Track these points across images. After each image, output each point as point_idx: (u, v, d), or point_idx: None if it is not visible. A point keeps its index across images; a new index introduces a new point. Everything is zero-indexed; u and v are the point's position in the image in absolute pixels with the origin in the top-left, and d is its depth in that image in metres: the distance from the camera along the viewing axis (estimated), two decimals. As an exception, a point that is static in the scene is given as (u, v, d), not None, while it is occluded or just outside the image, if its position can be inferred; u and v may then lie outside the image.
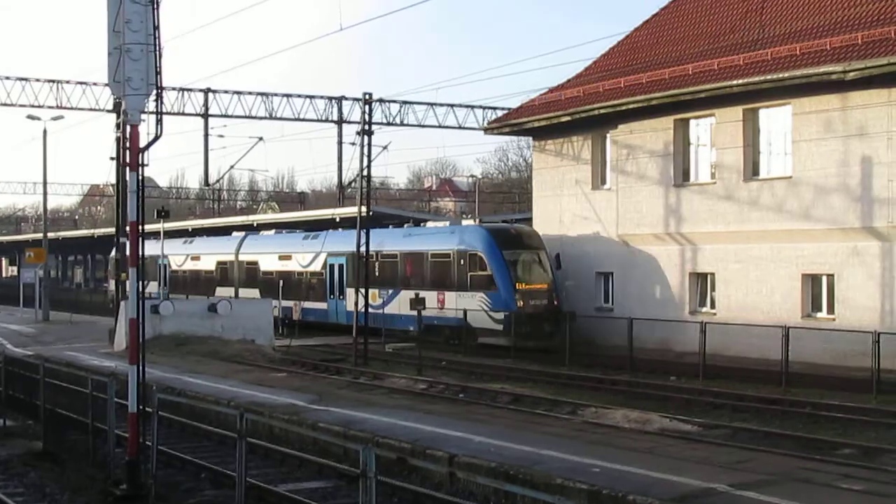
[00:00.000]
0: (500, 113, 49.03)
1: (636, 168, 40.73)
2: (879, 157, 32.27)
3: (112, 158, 42.27)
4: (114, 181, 46.62)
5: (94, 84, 45.64)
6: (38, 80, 46.77)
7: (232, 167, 61.87)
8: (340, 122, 49.78)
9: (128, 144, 16.81)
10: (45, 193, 65.92)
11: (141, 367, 16.34)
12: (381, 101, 45.83)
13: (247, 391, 25.68)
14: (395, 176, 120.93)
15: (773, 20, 36.90)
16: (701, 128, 38.91)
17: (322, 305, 45.16)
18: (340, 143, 48.87)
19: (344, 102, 49.73)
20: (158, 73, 16.19)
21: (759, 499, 13.72)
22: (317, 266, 45.71)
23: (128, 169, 16.99)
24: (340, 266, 44.20)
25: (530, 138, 48.18)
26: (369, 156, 38.30)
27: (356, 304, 37.84)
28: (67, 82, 46.98)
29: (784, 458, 17.06)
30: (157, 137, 16.87)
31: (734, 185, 36.58)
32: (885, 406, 23.53)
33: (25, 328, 48.99)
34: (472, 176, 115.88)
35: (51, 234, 70.71)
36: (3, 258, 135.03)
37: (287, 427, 19.74)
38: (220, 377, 29.00)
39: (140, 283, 16.66)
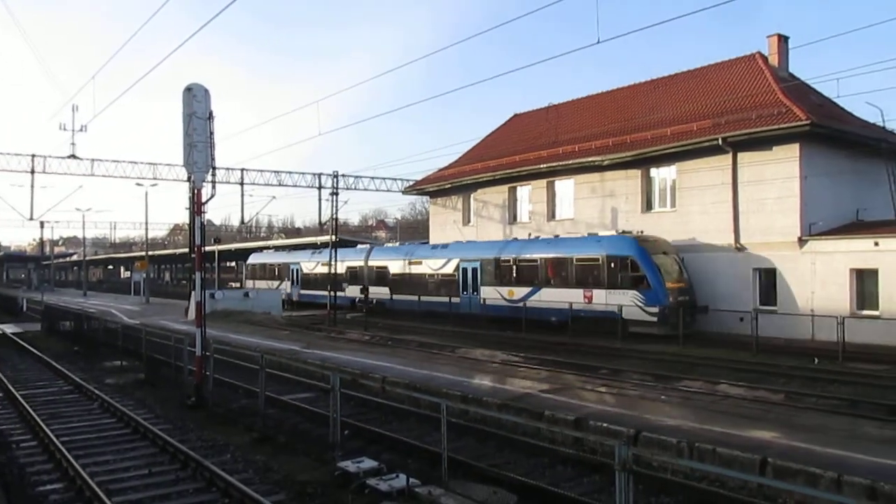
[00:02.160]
0: (411, 182, 48.86)
1: (487, 213, 40.97)
2: (621, 208, 32.94)
3: (186, 208, 41.44)
4: (188, 221, 45.48)
5: (176, 165, 44.24)
6: (142, 162, 45.29)
7: (257, 213, 61.95)
8: (320, 187, 49.02)
9: (195, 200, 16.42)
10: (146, 229, 64.26)
11: (203, 329, 16.07)
12: (343, 175, 45.44)
13: (265, 342, 25.20)
14: (351, 217, 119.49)
15: (562, 132, 37.44)
16: (523, 191, 39.23)
17: (455, 299, 33.85)
18: (320, 199, 48.15)
19: (322, 176, 49.10)
20: (213, 159, 15.99)
21: (554, 397, 13.93)
22: (448, 269, 34.94)
23: (195, 214, 16.67)
24: (474, 269, 33.53)
25: (428, 196, 48.15)
26: (336, 206, 38.13)
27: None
28: (160, 163, 45.52)
29: (570, 375, 17.30)
30: (212, 196, 16.69)
31: (542, 223, 36.95)
32: (624, 345, 23.93)
33: (134, 307, 47.41)
34: (395, 218, 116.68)
35: (150, 253, 68.94)
36: (122, 266, 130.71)
37: (288, 362, 19.43)
38: (249, 334, 28.42)
39: (203, 280, 16.39)
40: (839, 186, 27.45)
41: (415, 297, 36.01)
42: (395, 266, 38.99)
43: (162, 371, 19.50)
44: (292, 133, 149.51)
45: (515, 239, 34.36)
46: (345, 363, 19.13)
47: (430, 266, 36.38)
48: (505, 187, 39.38)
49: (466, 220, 42.63)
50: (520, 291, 31.11)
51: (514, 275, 31.77)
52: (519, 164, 37.61)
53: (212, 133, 15.90)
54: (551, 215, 37.06)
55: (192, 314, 32.47)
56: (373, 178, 51.76)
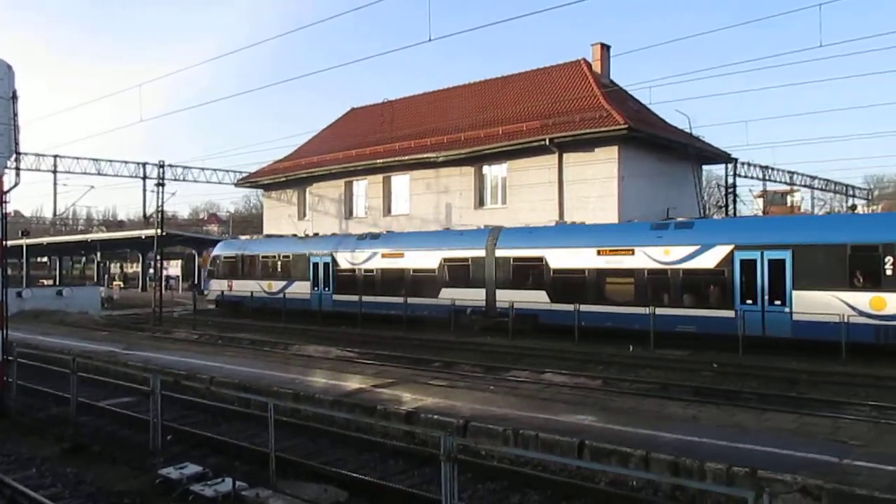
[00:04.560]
0: (245, 174, 47.37)
1: (324, 208, 40.56)
2: (455, 204, 33.82)
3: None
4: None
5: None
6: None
7: (73, 204, 57.20)
8: (144, 177, 46.14)
9: (-5, 189, 14.94)
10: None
11: (5, 331, 14.68)
12: (171, 165, 43.06)
13: (81, 344, 23.42)
14: (180, 210, 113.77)
15: (398, 128, 37.79)
16: (360, 186, 39.23)
17: (723, 313, 20.57)
18: (145, 189, 45.26)
19: (147, 165, 46.35)
20: (17, 143, 14.58)
21: (388, 391, 14.03)
22: (704, 263, 21.18)
23: (-5, 205, 15.19)
24: (774, 262, 20.10)
25: (263, 189, 46.91)
26: (162, 198, 36.03)
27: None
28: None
29: (403, 369, 17.45)
30: (15, 185, 15.17)
31: (378, 218, 37.14)
32: (458, 339, 24.43)
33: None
34: (228, 211, 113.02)
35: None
36: None
37: (106, 365, 18.24)
38: (63, 336, 26.28)
39: (5, 277, 14.97)
40: (652, 187, 29.75)
41: (604, 308, 23.04)
42: (564, 257, 24.43)
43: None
44: (114, 119, 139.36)
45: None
46: (170, 364, 18.19)
47: (651, 257, 22.37)
48: (341, 182, 39.19)
49: (302, 215, 42.04)
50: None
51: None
52: (355, 158, 37.60)
53: (16, 115, 14.50)
54: (387, 210, 37.36)
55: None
56: (203, 168, 49.57)
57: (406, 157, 34.50)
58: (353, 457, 10.80)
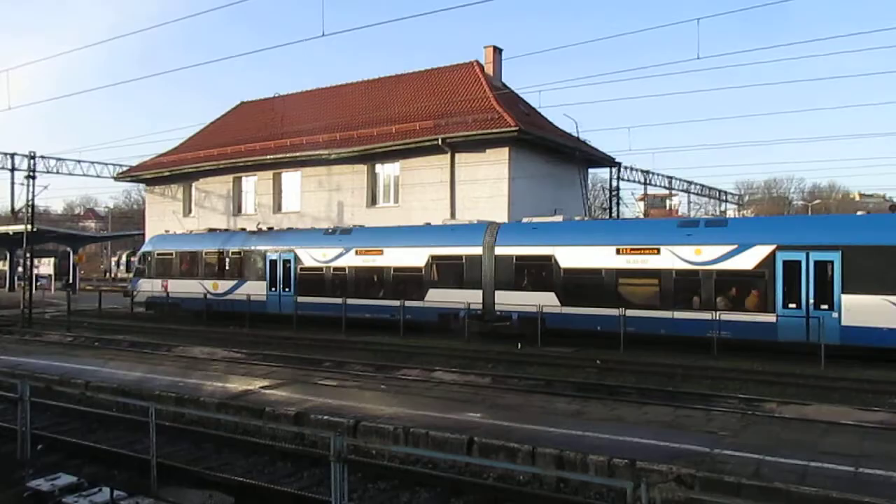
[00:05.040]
0: (125, 167, 45.14)
1: (211, 204, 39.29)
2: (347, 202, 33.58)
3: None
4: None
5: None
6: None
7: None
8: (13, 169, 43.17)
9: None
10: None
11: None
12: (42, 157, 40.37)
13: (-62, 348, 21.71)
14: (53, 205, 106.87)
15: (290, 123, 37.07)
16: (249, 182, 38.25)
17: (762, 318, 19.12)
18: (13, 182, 42.38)
19: (16, 157, 43.35)
20: None
21: (277, 392, 13.82)
22: (742, 264, 19.54)
23: None
24: (822, 264, 18.69)
25: (145, 184, 44.88)
26: (33, 192, 33.76)
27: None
28: None
29: (293, 370, 17.13)
30: None
31: (268, 215, 36.27)
32: (348, 337, 24.19)
33: None
34: (107, 207, 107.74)
35: None
36: None
37: (-32, 371, 16.96)
38: (-83, 339, 24.30)
39: None
40: (540, 188, 30.56)
41: (624, 311, 20.62)
42: (576, 256, 22.31)
43: None
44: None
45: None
46: (41, 369, 17.14)
47: (679, 256, 20.65)
48: (230, 177, 38.14)
49: (187, 211, 40.60)
50: None
51: None
52: (245, 153, 36.68)
53: None
54: (278, 207, 36.66)
55: None
56: (79, 161, 46.83)
57: (297, 154, 33.96)
58: (240, 461, 10.55)
